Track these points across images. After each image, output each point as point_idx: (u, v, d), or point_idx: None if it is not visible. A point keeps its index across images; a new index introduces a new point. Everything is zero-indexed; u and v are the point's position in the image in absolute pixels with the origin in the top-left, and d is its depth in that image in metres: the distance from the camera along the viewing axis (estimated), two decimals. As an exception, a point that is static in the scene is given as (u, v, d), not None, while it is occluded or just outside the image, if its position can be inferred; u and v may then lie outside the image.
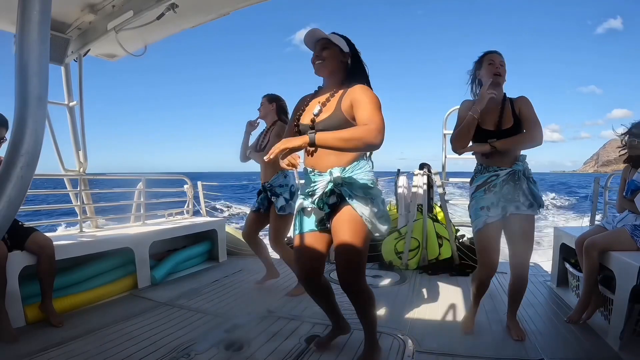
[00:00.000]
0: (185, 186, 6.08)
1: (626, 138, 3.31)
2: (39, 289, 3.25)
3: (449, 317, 3.50)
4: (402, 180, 5.93)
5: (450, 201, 5.96)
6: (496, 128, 2.89)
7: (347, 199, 2.30)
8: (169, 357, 2.67)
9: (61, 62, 4.45)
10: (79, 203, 4.61)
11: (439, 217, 5.80)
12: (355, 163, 2.36)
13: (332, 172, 2.30)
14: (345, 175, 2.31)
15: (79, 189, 4.65)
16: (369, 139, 2.02)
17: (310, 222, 2.48)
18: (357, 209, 2.29)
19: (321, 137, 1.99)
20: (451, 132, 4.91)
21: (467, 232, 6.01)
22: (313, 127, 2.32)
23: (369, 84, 2.43)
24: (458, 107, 5.27)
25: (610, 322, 2.93)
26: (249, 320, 3.34)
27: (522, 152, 2.95)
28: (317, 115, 2.36)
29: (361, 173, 2.35)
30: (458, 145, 2.98)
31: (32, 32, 0.74)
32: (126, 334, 3.05)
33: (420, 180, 5.44)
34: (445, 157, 5.79)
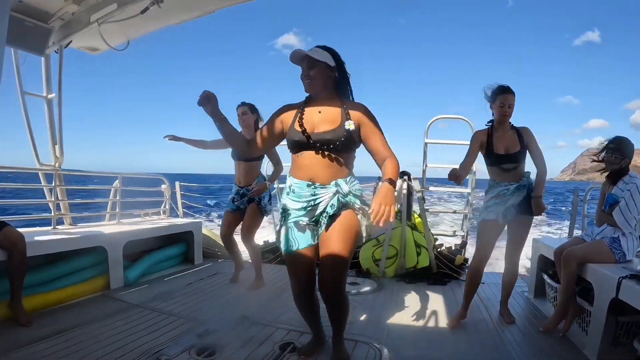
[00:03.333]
0: (163, 186, 5.98)
1: (603, 154, 3.35)
2: (8, 286, 3.15)
3: (426, 327, 3.47)
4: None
5: (429, 210, 5.97)
6: (506, 152, 3.42)
7: (353, 208, 2.40)
8: (138, 361, 2.60)
9: (42, 52, 4.33)
10: (53, 199, 4.49)
11: (418, 226, 5.79)
12: (351, 176, 2.45)
13: (339, 184, 2.37)
14: (350, 186, 2.40)
15: (53, 184, 4.53)
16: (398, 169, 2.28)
17: (306, 237, 2.45)
18: (358, 216, 2.41)
19: (394, 176, 2.21)
20: (432, 141, 5.12)
21: (445, 242, 6.01)
22: (309, 136, 2.36)
23: (352, 93, 2.54)
24: (441, 116, 5.31)
25: (588, 334, 2.96)
26: (222, 325, 3.27)
27: (527, 170, 3.53)
28: (314, 124, 2.40)
29: (357, 185, 2.46)
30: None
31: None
32: (95, 336, 2.98)
33: (399, 187, 5.41)
34: (426, 165, 5.82)
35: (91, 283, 4.07)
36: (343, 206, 2.38)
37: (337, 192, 2.36)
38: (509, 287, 3.65)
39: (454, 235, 6.18)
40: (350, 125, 2.33)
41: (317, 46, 2.42)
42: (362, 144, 2.43)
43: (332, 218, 2.37)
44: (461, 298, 3.76)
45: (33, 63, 4.45)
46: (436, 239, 5.77)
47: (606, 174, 3.43)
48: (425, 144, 5.70)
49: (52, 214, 4.39)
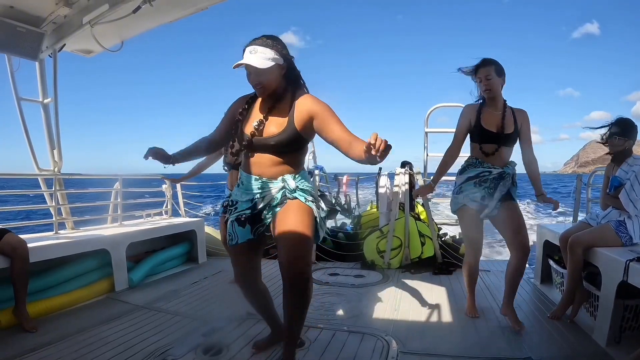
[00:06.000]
0: (164, 186, 5.96)
1: (606, 136, 3.33)
2: (12, 292, 3.12)
3: (433, 317, 3.46)
4: (384, 179, 5.89)
5: (432, 199, 5.95)
6: (499, 131, 3.15)
7: (301, 199, 2.31)
8: (146, 362, 2.59)
9: (35, 57, 4.30)
10: (53, 204, 4.47)
11: (421, 216, 5.77)
12: (302, 171, 2.42)
13: (286, 179, 2.32)
14: (298, 182, 2.33)
15: (53, 189, 4.51)
16: None
17: (246, 232, 2.43)
18: (309, 204, 2.31)
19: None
20: (433, 130, 5.08)
21: (449, 231, 5.99)
22: (256, 141, 2.32)
23: (304, 85, 2.44)
24: (441, 105, 5.25)
25: (597, 319, 2.94)
26: (228, 323, 3.27)
27: (512, 159, 3.28)
28: (257, 128, 2.32)
29: (306, 182, 2.38)
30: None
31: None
32: (102, 339, 2.96)
33: (401, 179, 5.39)
34: (427, 155, 5.79)
35: (95, 286, 4.05)
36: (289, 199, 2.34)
37: (283, 187, 2.32)
38: (517, 278, 3.18)
39: (457, 223, 6.15)
40: (297, 124, 2.26)
41: (262, 39, 2.26)
42: (320, 137, 2.29)
43: (282, 206, 2.34)
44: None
45: (28, 68, 4.44)
46: (440, 228, 5.75)
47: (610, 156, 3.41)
48: (426, 133, 5.68)
49: (54, 218, 4.36)
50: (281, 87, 2.35)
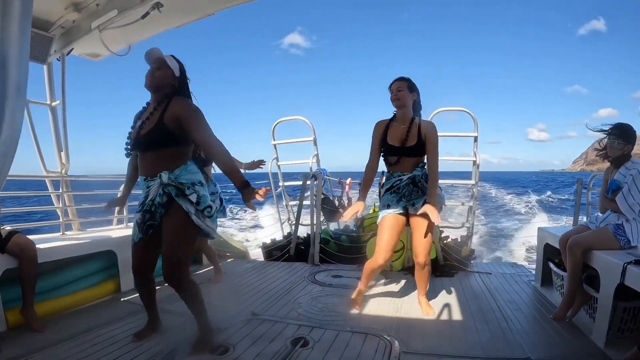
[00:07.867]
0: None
1: (606, 139, 3.37)
2: (21, 292, 3.15)
3: (435, 318, 3.50)
4: (386, 181, 5.93)
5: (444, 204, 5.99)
6: (401, 144, 3.38)
7: (175, 198, 2.55)
8: (153, 362, 2.62)
9: (44, 60, 4.38)
10: (60, 205, 4.53)
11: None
12: (184, 166, 2.65)
13: (162, 176, 2.56)
14: (173, 177, 2.57)
15: (60, 191, 4.56)
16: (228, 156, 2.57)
17: (137, 233, 2.73)
18: (183, 206, 2.55)
19: None
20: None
21: (451, 234, 6.03)
22: (136, 139, 2.64)
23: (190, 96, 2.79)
24: (443, 109, 5.29)
25: (595, 320, 2.98)
26: (233, 323, 3.31)
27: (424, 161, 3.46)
28: (141, 128, 2.62)
29: (188, 174, 2.63)
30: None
31: (12, 23, 0.72)
32: (109, 339, 3.00)
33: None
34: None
35: (102, 287, 4.09)
36: (170, 197, 2.57)
37: (160, 183, 2.56)
38: (425, 278, 3.59)
39: (462, 226, 6.19)
40: (166, 121, 2.54)
41: (172, 56, 2.71)
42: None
43: (165, 208, 2.60)
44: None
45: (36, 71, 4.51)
46: (442, 232, 5.79)
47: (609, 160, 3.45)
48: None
49: (61, 220, 4.41)
50: (165, 92, 2.68)
